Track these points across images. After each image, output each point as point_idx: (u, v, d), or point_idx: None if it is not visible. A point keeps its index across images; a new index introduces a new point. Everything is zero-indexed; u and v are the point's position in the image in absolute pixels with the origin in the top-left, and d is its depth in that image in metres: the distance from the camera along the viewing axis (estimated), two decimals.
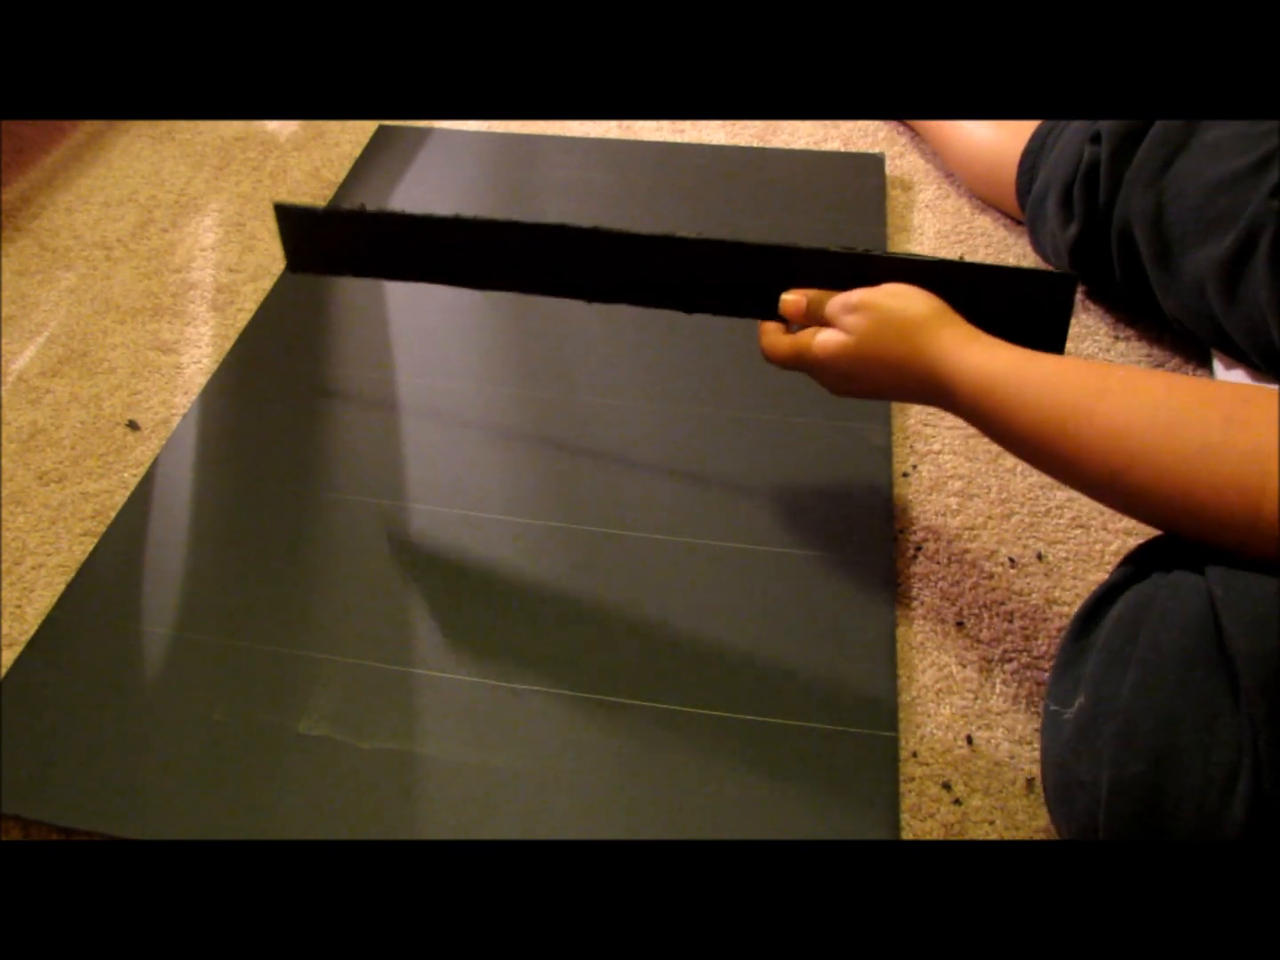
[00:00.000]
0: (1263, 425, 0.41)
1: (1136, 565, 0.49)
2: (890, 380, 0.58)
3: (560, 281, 0.67)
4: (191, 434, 0.78)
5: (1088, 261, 0.83)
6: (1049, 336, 0.59)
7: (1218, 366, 0.78)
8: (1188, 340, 0.81)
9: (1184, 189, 0.72)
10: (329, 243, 0.72)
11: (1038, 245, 0.89)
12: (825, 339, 0.59)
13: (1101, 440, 0.46)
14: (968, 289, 0.58)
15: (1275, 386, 0.43)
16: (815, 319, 0.61)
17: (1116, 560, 0.56)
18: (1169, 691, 0.44)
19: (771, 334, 0.63)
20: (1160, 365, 0.81)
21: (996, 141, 0.93)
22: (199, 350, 0.86)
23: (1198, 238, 0.71)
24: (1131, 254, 0.78)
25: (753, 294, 0.63)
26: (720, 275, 0.64)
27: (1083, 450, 0.48)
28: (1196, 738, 0.42)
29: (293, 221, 0.71)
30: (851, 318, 0.58)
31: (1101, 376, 0.48)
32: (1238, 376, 0.75)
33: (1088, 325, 0.85)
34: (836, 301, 0.60)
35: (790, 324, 0.63)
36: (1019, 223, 0.94)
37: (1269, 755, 0.40)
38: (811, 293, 0.62)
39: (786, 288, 0.62)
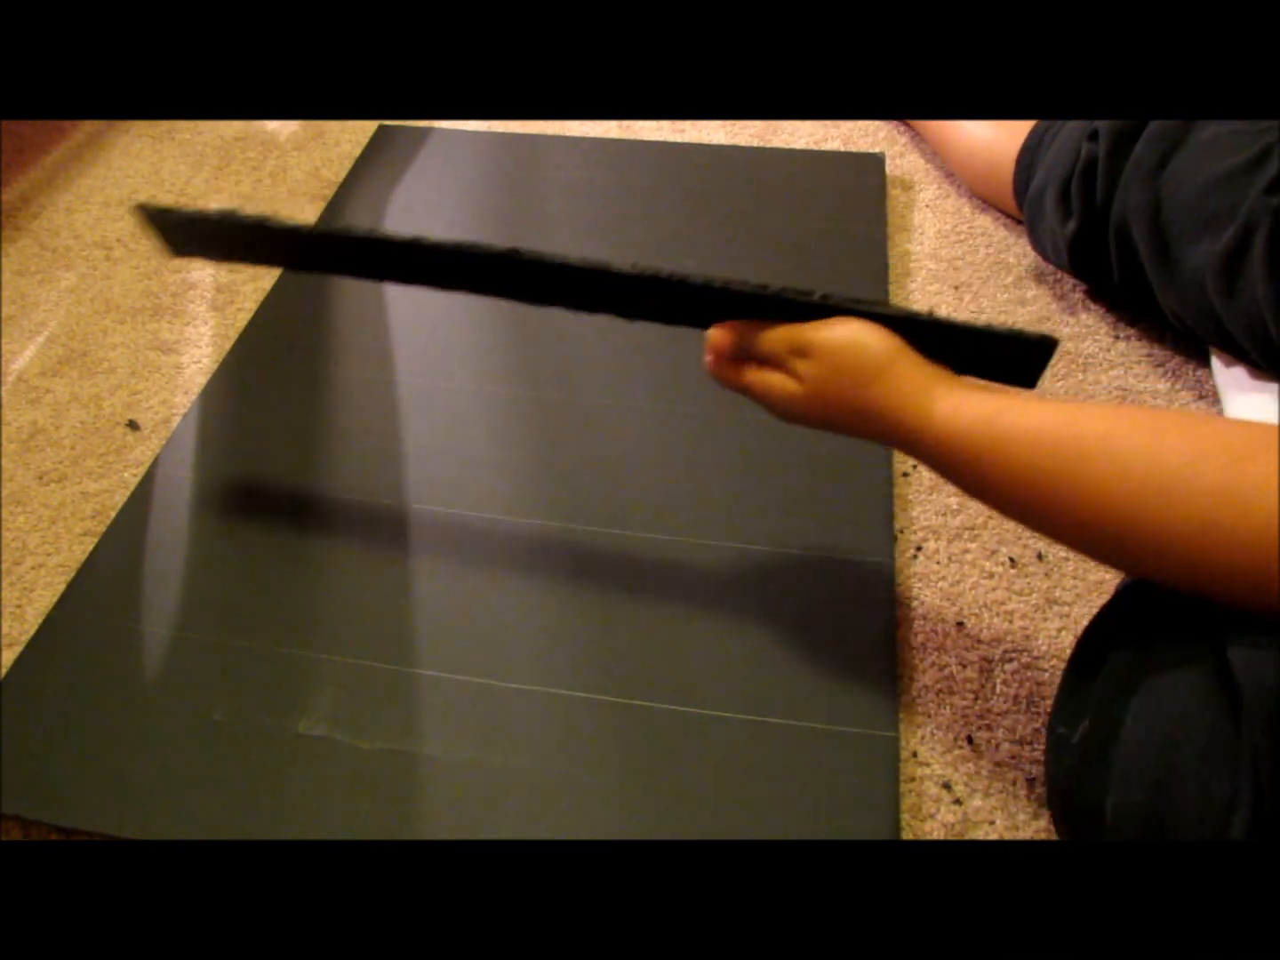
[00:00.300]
0: (1265, 489, 0.38)
1: (1142, 583, 0.48)
2: (848, 425, 0.52)
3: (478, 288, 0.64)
4: (191, 434, 0.78)
5: (1086, 258, 0.83)
6: (1019, 382, 0.54)
7: (1216, 365, 0.78)
8: (1188, 339, 0.81)
9: (1181, 185, 0.72)
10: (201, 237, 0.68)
11: (1036, 243, 0.89)
12: (775, 384, 0.53)
13: (1089, 511, 0.43)
14: (936, 346, 0.52)
15: (1270, 423, 0.42)
16: (753, 355, 0.54)
17: None
18: (1171, 719, 0.43)
19: (717, 359, 0.56)
20: (1160, 365, 0.81)
21: (995, 140, 0.93)
22: (199, 350, 0.86)
23: (1195, 234, 0.71)
24: (1130, 251, 0.78)
25: (696, 319, 0.57)
26: (659, 307, 0.58)
27: (1067, 517, 0.45)
28: (1195, 767, 0.41)
29: (158, 221, 0.65)
30: (801, 363, 0.52)
31: (1079, 437, 0.44)
32: (1237, 374, 0.75)
33: (1088, 325, 0.85)
34: (782, 340, 0.53)
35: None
36: (1019, 222, 0.94)
37: (1270, 787, 0.39)
38: (744, 327, 0.54)
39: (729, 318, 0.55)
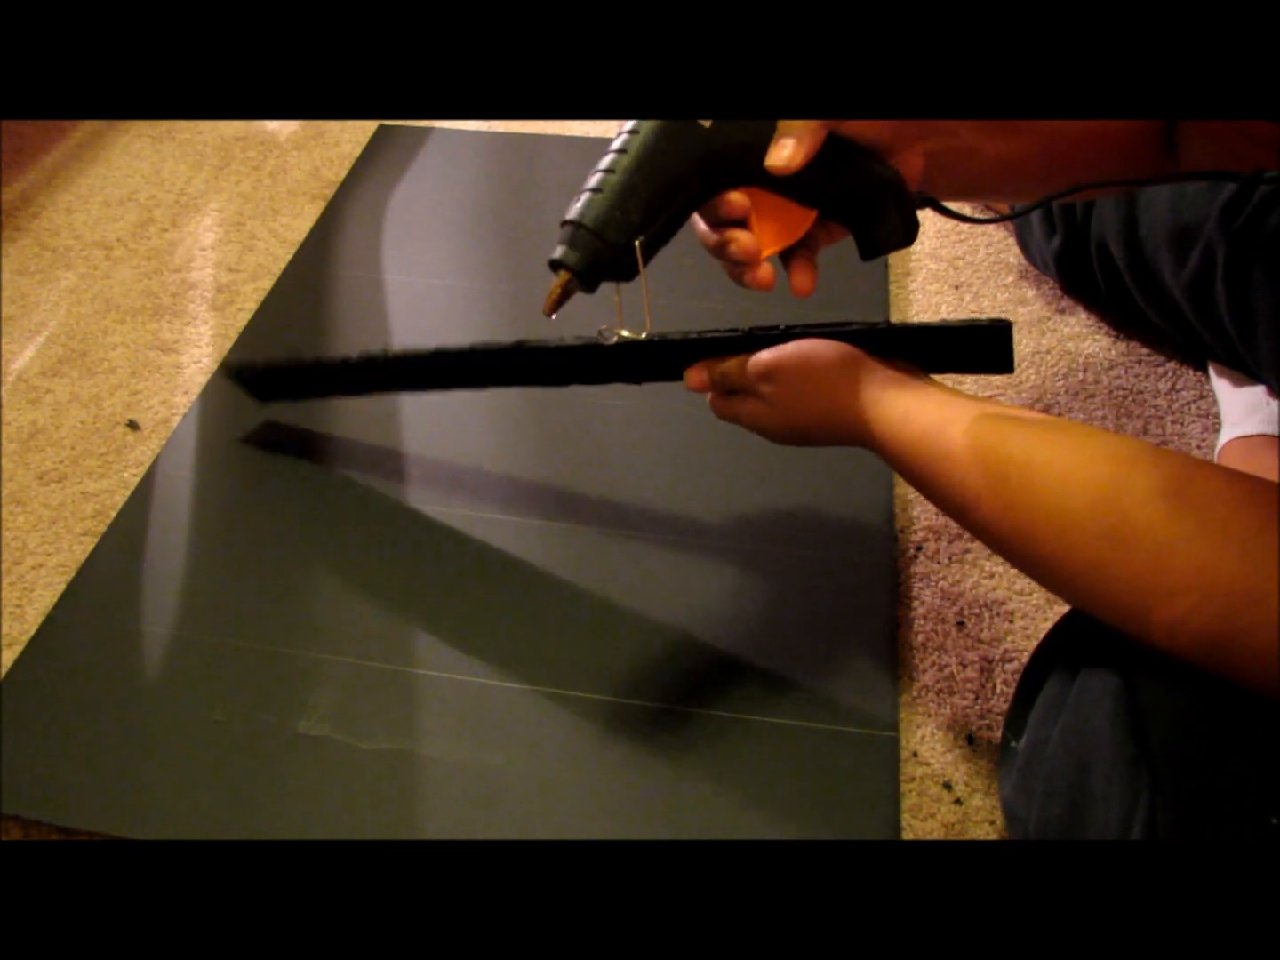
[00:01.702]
0: (1148, 543, 0.40)
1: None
2: (824, 435, 0.55)
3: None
4: (191, 434, 0.78)
5: (1073, 272, 0.83)
6: (995, 370, 0.55)
7: (1213, 365, 0.78)
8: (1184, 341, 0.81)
9: (1153, 201, 0.72)
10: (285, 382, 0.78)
11: (1027, 254, 0.89)
12: (750, 409, 0.56)
13: (1010, 538, 0.46)
14: (902, 351, 0.54)
15: (1180, 459, 0.43)
16: (731, 387, 0.57)
17: None
18: (1085, 740, 0.45)
19: (712, 397, 0.59)
20: (1160, 365, 0.81)
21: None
22: (199, 350, 0.86)
23: (1168, 252, 0.71)
24: (1112, 265, 0.78)
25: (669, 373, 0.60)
26: (657, 367, 0.61)
27: (989, 537, 0.47)
28: (1101, 787, 0.43)
29: (244, 379, 0.78)
30: (766, 387, 0.54)
31: (1003, 461, 0.46)
32: (1230, 375, 0.76)
33: (1088, 325, 0.85)
34: (748, 370, 0.55)
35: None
36: None
37: (1166, 812, 0.40)
38: (717, 365, 0.57)
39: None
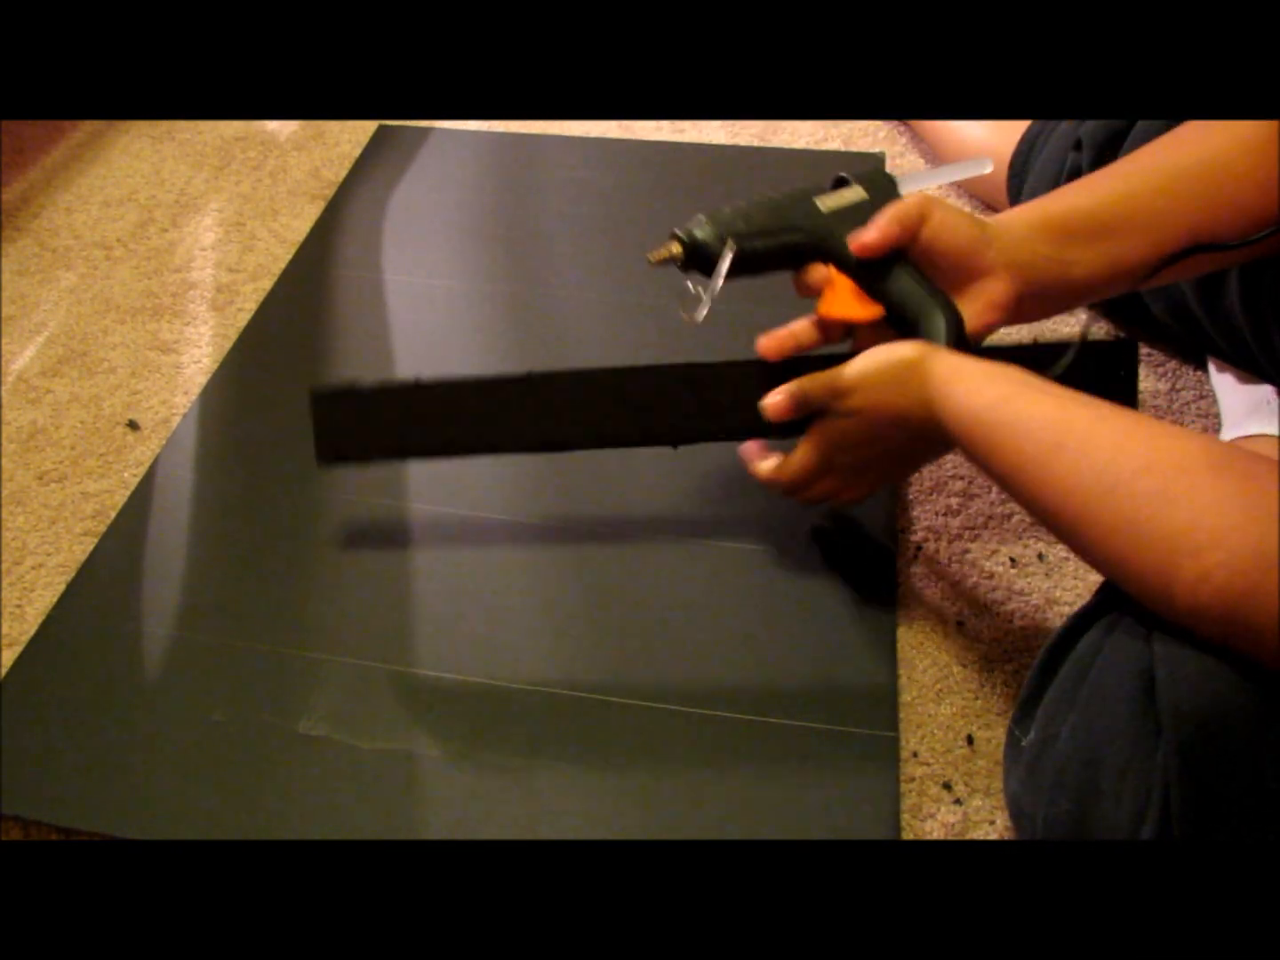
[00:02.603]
0: (1186, 504, 0.42)
1: (1106, 596, 0.50)
2: (900, 436, 0.57)
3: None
4: (191, 434, 0.78)
5: None
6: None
7: (1212, 365, 0.78)
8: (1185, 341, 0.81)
9: None
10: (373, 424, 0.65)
11: None
12: (824, 423, 0.58)
13: (1055, 497, 0.47)
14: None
15: (1233, 445, 0.44)
16: (808, 410, 0.59)
17: None
18: (1099, 736, 0.45)
19: (766, 465, 0.62)
20: (1160, 365, 0.81)
21: (986, 143, 0.93)
22: (199, 350, 0.86)
23: None
24: None
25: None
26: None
27: (1040, 503, 0.48)
28: (1112, 784, 0.44)
29: (328, 407, 0.64)
30: (845, 402, 0.57)
31: (1063, 429, 0.47)
32: (1230, 379, 0.76)
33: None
34: (823, 388, 0.58)
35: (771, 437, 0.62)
36: None
37: (1180, 809, 0.41)
38: (794, 386, 0.59)
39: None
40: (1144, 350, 0.82)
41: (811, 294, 0.60)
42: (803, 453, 0.60)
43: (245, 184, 1.04)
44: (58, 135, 1.11)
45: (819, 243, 0.59)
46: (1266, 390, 0.72)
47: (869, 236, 0.57)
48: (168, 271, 0.94)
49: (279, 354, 0.84)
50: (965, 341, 0.56)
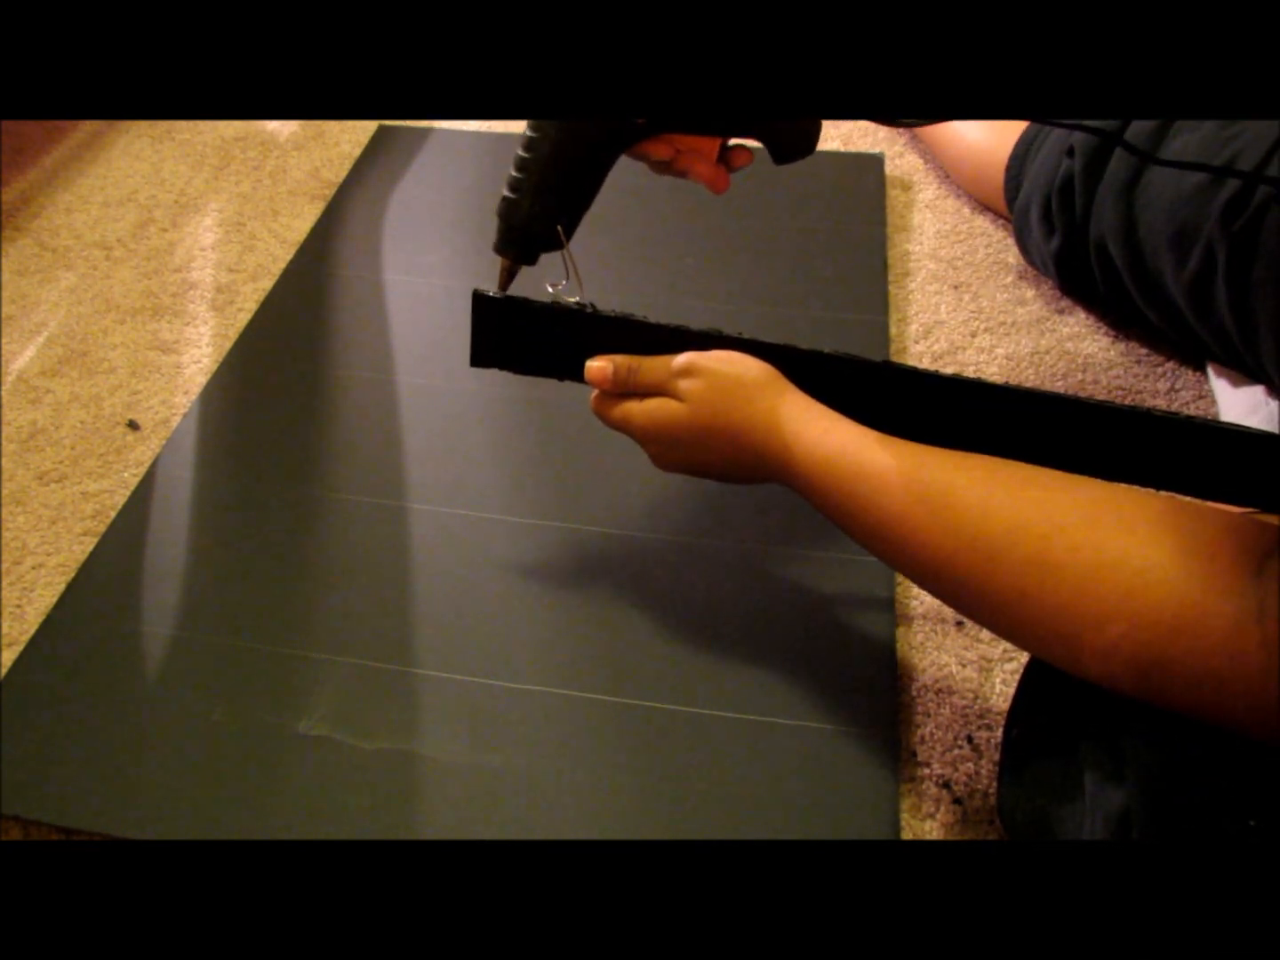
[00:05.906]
0: (1071, 566, 0.40)
1: None
2: (724, 450, 0.53)
3: None
4: (191, 434, 0.78)
5: (1072, 273, 0.83)
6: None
7: (1211, 365, 0.78)
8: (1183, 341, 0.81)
9: (1151, 201, 0.72)
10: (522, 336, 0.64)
11: (1026, 254, 0.89)
12: (653, 406, 0.54)
13: (924, 558, 0.45)
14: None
15: (1099, 489, 0.42)
16: (634, 386, 0.55)
17: None
18: (1070, 734, 0.44)
19: (600, 396, 0.57)
20: (1160, 365, 0.81)
21: (985, 144, 0.93)
22: (199, 350, 0.86)
23: (1168, 252, 0.71)
24: (1111, 266, 0.78)
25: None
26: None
27: (906, 560, 0.46)
28: (1080, 781, 0.43)
29: (486, 311, 0.64)
30: (683, 382, 0.53)
31: (925, 483, 0.45)
32: (1229, 374, 0.76)
33: (1088, 325, 0.85)
34: (662, 366, 0.54)
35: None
36: None
37: (1142, 813, 0.40)
38: (623, 359, 0.56)
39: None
40: (1144, 351, 0.82)
41: (674, 172, 0.62)
42: (641, 416, 0.55)
43: (245, 184, 1.04)
44: (58, 135, 1.11)
45: (621, 142, 0.58)
46: (1263, 391, 0.73)
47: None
48: (168, 272, 0.94)
49: (279, 354, 0.84)
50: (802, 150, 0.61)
